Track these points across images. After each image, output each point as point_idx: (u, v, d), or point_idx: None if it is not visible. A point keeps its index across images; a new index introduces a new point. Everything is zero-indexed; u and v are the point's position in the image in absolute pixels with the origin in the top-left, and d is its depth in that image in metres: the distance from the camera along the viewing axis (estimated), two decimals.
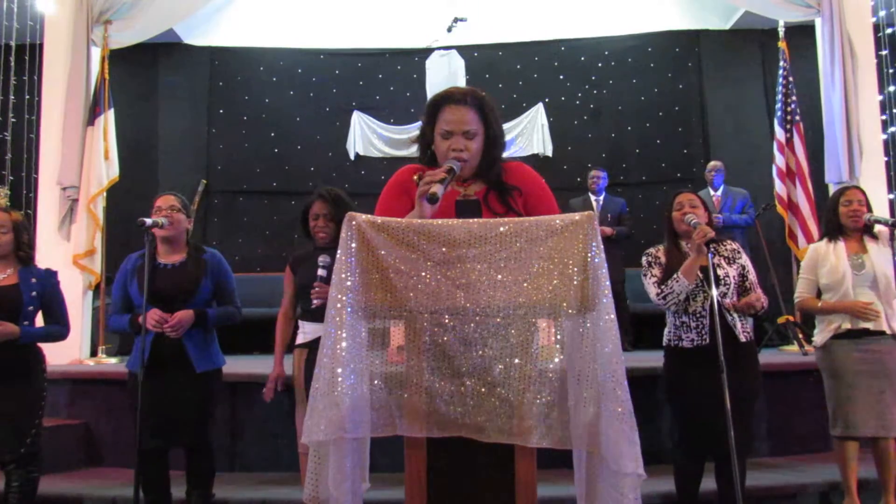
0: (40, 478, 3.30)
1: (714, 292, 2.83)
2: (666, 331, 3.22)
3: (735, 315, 3.08)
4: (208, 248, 3.42)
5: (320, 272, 3.08)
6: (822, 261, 3.45)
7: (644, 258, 3.27)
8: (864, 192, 3.52)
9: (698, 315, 3.07)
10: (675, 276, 3.04)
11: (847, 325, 3.34)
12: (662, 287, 3.09)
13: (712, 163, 6.40)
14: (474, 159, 2.02)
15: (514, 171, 2.12)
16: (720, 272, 3.07)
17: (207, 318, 3.21)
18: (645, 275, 3.22)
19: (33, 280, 3.28)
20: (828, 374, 3.42)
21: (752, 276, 3.18)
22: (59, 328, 3.37)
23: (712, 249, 2.92)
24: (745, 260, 3.21)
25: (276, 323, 3.44)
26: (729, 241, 3.28)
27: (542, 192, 2.11)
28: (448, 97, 2.04)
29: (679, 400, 3.16)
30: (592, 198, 6.50)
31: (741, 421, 2.76)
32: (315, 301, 3.04)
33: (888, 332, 3.33)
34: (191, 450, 3.24)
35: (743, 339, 3.07)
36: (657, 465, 3.16)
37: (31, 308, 3.26)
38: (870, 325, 3.32)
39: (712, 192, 6.24)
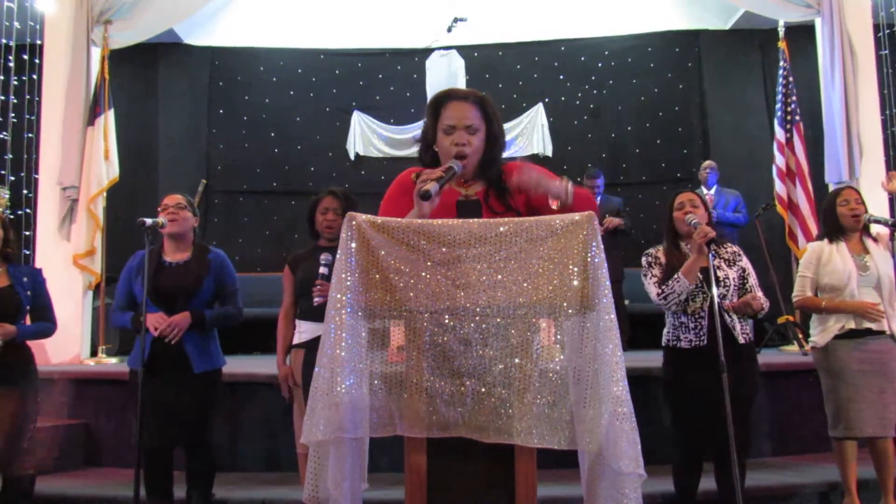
0: (37, 477, 3.30)
1: (714, 293, 2.84)
2: (665, 331, 3.23)
3: (734, 317, 3.08)
4: (214, 248, 3.43)
5: (322, 269, 3.07)
6: (825, 261, 3.43)
7: (644, 258, 3.27)
8: (858, 192, 3.52)
9: (697, 316, 3.08)
10: (675, 276, 3.05)
11: (851, 325, 3.33)
12: (663, 287, 3.09)
13: (706, 162, 6.42)
14: (476, 155, 2.03)
15: (514, 171, 2.13)
16: (720, 274, 3.07)
17: (204, 320, 3.21)
18: (645, 275, 3.22)
19: (25, 279, 3.30)
20: (828, 375, 3.40)
21: (752, 278, 3.18)
22: (48, 325, 3.40)
23: (713, 251, 2.92)
24: (745, 262, 3.21)
25: (278, 323, 3.45)
26: (729, 244, 3.30)
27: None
28: (450, 94, 2.08)
29: (676, 400, 3.17)
30: None
31: (739, 422, 2.76)
32: (317, 299, 3.04)
33: (888, 332, 3.33)
34: (190, 449, 3.25)
35: (742, 341, 3.07)
36: (658, 464, 3.16)
37: (27, 307, 3.29)
38: (873, 326, 3.31)
39: (705, 191, 6.24)
